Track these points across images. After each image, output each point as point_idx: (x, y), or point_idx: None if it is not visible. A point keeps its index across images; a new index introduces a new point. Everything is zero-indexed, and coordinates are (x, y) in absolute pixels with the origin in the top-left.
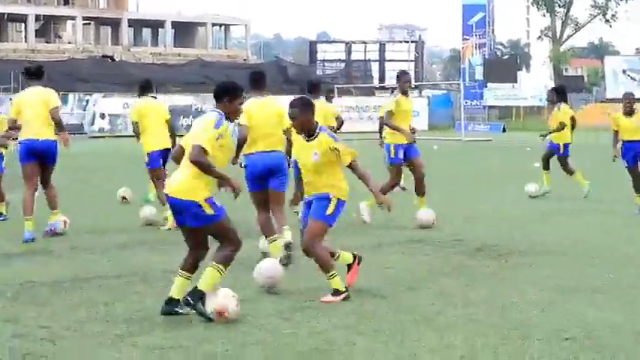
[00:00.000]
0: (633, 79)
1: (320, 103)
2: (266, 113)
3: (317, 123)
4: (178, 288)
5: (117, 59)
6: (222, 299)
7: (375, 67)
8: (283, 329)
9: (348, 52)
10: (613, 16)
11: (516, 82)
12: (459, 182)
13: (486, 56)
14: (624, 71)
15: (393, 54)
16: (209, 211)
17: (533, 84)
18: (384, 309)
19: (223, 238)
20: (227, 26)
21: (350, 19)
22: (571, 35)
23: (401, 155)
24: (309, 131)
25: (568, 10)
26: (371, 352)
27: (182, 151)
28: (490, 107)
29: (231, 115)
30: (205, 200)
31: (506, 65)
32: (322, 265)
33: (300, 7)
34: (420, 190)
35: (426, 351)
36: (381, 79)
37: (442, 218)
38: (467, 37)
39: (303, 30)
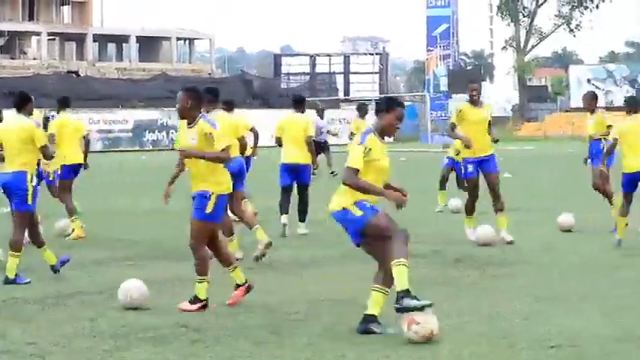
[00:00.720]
0: (598, 87)
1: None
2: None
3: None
4: (374, 303)
5: (82, 75)
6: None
7: (339, 80)
8: (271, 342)
9: (313, 64)
10: (577, 25)
11: (481, 92)
12: (431, 194)
13: (450, 67)
14: (589, 80)
15: (357, 66)
16: (357, 213)
17: (498, 94)
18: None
19: (384, 237)
20: (191, 40)
21: (313, 32)
22: (535, 45)
23: (471, 169)
24: (190, 118)
25: (532, 20)
26: None
27: None
28: None
29: (385, 129)
30: (354, 203)
31: (470, 76)
32: (198, 268)
33: (263, 20)
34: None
35: None
36: (346, 91)
37: (420, 230)
38: (431, 49)
39: (267, 43)
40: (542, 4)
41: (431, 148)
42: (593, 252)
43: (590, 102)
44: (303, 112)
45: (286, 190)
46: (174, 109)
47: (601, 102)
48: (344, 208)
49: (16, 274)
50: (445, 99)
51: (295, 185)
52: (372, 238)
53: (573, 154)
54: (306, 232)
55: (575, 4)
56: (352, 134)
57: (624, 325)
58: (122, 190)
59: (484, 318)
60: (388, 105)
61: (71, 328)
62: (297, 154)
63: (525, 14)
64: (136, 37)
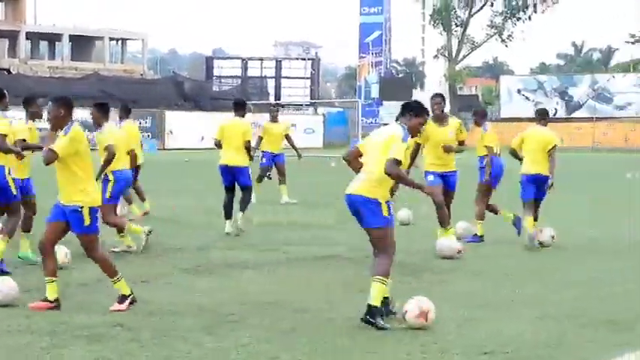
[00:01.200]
0: (527, 98)
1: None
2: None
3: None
4: (378, 294)
5: (13, 72)
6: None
7: (271, 84)
8: (206, 343)
9: (245, 68)
10: (509, 36)
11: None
12: None
13: (382, 74)
14: (519, 91)
15: (289, 71)
16: (385, 212)
17: (428, 102)
18: (303, 322)
19: (384, 247)
20: (124, 40)
21: (245, 36)
22: (467, 55)
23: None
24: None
25: (465, 30)
26: None
27: (357, 152)
28: (386, 125)
29: (411, 130)
30: (386, 202)
31: (401, 83)
32: (105, 271)
33: (195, 22)
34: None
35: None
36: (277, 95)
37: (353, 235)
38: (363, 55)
39: (199, 45)
40: (474, 14)
41: None
42: (526, 258)
43: (481, 119)
44: (243, 117)
45: (228, 190)
46: None
47: (530, 113)
48: (375, 199)
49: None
50: (376, 106)
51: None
52: (377, 238)
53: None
54: (242, 225)
55: (508, 15)
56: (261, 138)
57: (557, 330)
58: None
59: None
60: (419, 110)
61: (8, 325)
62: (234, 157)
63: (458, 23)
64: (69, 35)
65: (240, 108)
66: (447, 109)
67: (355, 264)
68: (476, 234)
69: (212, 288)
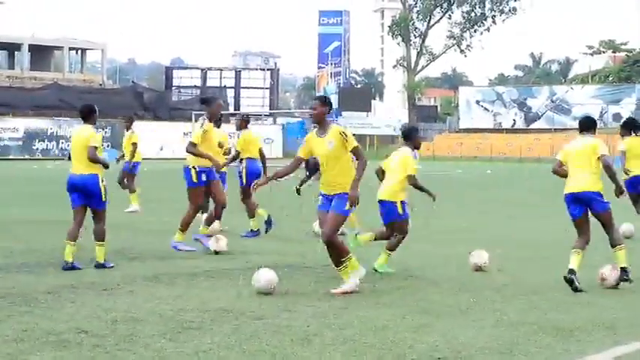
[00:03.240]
0: (486, 109)
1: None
2: None
3: None
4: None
5: None
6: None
7: (230, 94)
8: (168, 349)
9: (204, 78)
10: (468, 46)
11: (370, 110)
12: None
13: (341, 85)
14: (478, 102)
15: (248, 81)
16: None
17: (387, 113)
18: (263, 330)
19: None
20: (83, 50)
21: (204, 45)
22: (426, 65)
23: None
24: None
25: (423, 41)
26: None
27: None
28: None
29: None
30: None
31: (360, 94)
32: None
33: (154, 32)
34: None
35: None
36: (237, 106)
37: (310, 244)
38: (322, 66)
39: (157, 55)
40: (433, 25)
41: None
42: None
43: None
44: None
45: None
46: (64, 118)
47: (489, 124)
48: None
49: None
50: (336, 116)
51: None
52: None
53: (461, 174)
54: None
55: (467, 26)
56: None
57: (510, 337)
58: (14, 199)
59: (372, 330)
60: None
61: None
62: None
63: (417, 34)
64: (29, 45)
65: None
66: (406, 119)
67: (308, 272)
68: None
69: (173, 295)
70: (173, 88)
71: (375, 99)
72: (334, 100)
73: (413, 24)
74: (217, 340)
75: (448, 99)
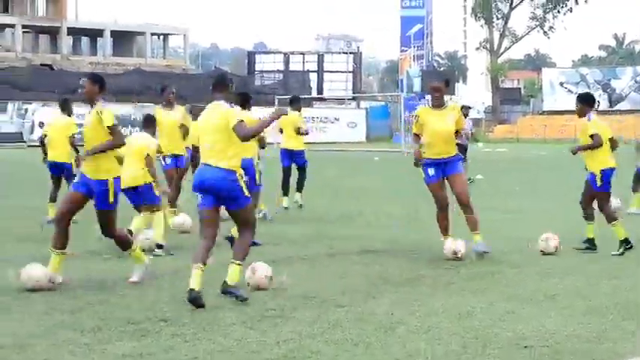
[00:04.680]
0: (570, 91)
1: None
2: None
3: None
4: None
5: (55, 68)
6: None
7: (313, 78)
8: (249, 338)
9: (286, 62)
10: (551, 27)
11: (454, 93)
12: (409, 194)
13: (424, 68)
14: (561, 83)
15: (331, 65)
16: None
17: (471, 96)
18: (345, 318)
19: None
20: (165, 35)
21: (287, 30)
22: (509, 47)
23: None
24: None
25: (506, 22)
26: None
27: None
28: None
29: None
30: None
31: (444, 77)
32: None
33: (237, 17)
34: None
35: (390, 359)
36: (319, 90)
37: (397, 229)
38: (405, 49)
39: (240, 40)
40: (516, 7)
41: (403, 148)
42: (569, 252)
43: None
44: (299, 111)
45: (286, 170)
46: (147, 103)
47: (573, 105)
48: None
49: None
50: (419, 99)
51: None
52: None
53: (545, 156)
54: (300, 200)
55: (549, 7)
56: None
57: (599, 325)
58: None
59: (457, 317)
60: None
61: (51, 320)
62: (292, 142)
63: (499, 16)
64: (111, 31)
65: (295, 103)
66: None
67: (392, 258)
68: None
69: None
70: (255, 72)
71: (458, 82)
72: (417, 83)
73: (495, 5)
74: (299, 329)
75: (531, 81)
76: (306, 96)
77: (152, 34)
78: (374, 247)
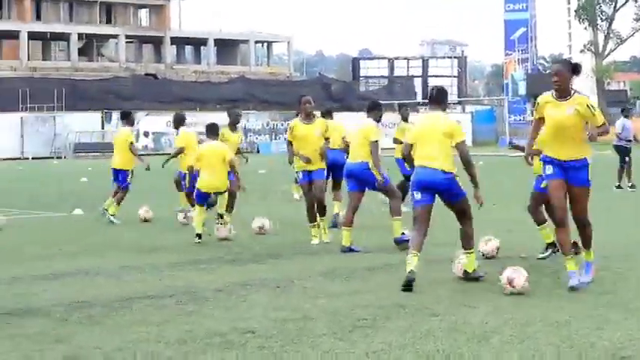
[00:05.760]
0: None
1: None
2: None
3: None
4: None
5: (159, 77)
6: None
7: (417, 83)
8: (337, 349)
9: (391, 68)
10: None
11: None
12: (513, 197)
13: (529, 71)
14: None
15: (435, 69)
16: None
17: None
18: (438, 327)
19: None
20: (269, 43)
21: (391, 36)
22: (614, 49)
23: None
24: None
25: (610, 24)
26: None
27: None
28: None
29: None
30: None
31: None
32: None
33: (341, 23)
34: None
35: None
36: (425, 95)
37: (500, 234)
38: (509, 52)
39: (345, 47)
40: (620, 8)
41: (508, 152)
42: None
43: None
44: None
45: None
46: (251, 111)
47: None
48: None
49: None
50: (524, 103)
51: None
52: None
53: None
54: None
55: None
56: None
57: None
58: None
59: (555, 326)
60: None
61: (137, 332)
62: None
63: (603, 18)
64: (214, 39)
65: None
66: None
67: (487, 264)
68: None
69: (348, 291)
70: (360, 78)
71: None
72: (522, 86)
73: (599, 7)
74: (390, 339)
75: (638, 83)
76: (411, 101)
77: (256, 42)
78: (477, 255)
